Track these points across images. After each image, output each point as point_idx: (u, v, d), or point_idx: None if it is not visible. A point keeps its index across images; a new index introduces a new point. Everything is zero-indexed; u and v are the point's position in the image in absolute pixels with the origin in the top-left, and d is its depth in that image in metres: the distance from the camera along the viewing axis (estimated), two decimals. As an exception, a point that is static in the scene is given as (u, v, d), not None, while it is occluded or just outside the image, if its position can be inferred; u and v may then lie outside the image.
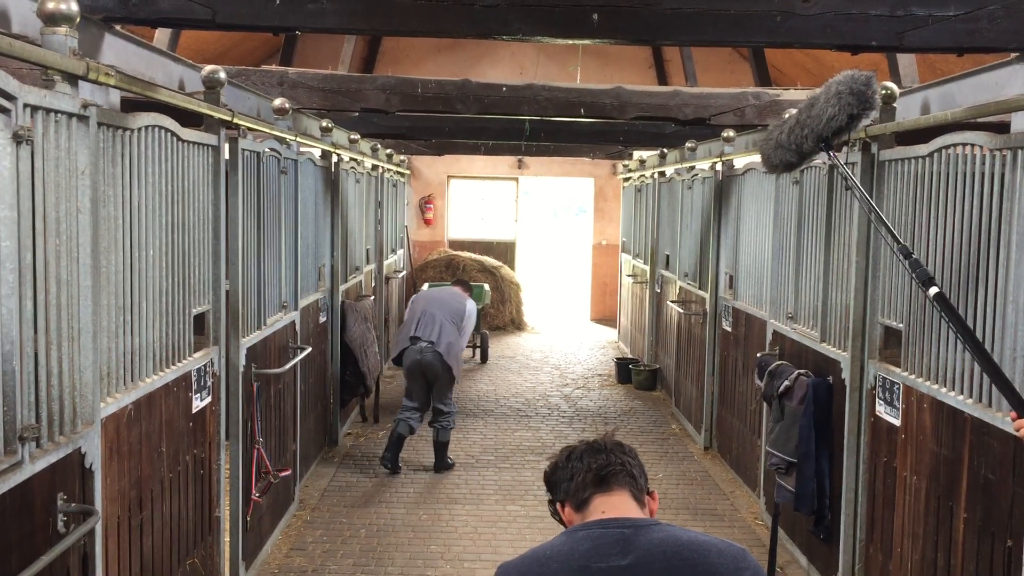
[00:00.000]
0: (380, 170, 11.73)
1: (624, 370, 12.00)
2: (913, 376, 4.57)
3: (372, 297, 10.50)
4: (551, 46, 15.78)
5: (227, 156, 5.13)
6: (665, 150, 11.65)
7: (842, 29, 4.17)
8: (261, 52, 15.11)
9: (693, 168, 9.79)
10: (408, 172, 16.05)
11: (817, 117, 3.88)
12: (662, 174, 11.64)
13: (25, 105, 2.82)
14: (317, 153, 8.05)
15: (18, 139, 2.77)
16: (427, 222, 17.60)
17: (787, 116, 4.18)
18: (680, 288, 10.03)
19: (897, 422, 4.74)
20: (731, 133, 8.34)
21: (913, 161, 4.62)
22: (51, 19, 3.15)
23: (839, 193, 5.50)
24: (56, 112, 3.04)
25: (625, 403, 10.79)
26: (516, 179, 18.01)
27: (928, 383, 4.40)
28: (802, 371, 5.69)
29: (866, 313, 5.14)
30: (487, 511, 7.03)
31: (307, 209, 7.25)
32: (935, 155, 4.40)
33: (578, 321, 17.77)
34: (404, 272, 14.79)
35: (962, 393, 4.09)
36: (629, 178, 14.61)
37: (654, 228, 11.84)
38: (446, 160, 17.21)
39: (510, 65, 16.35)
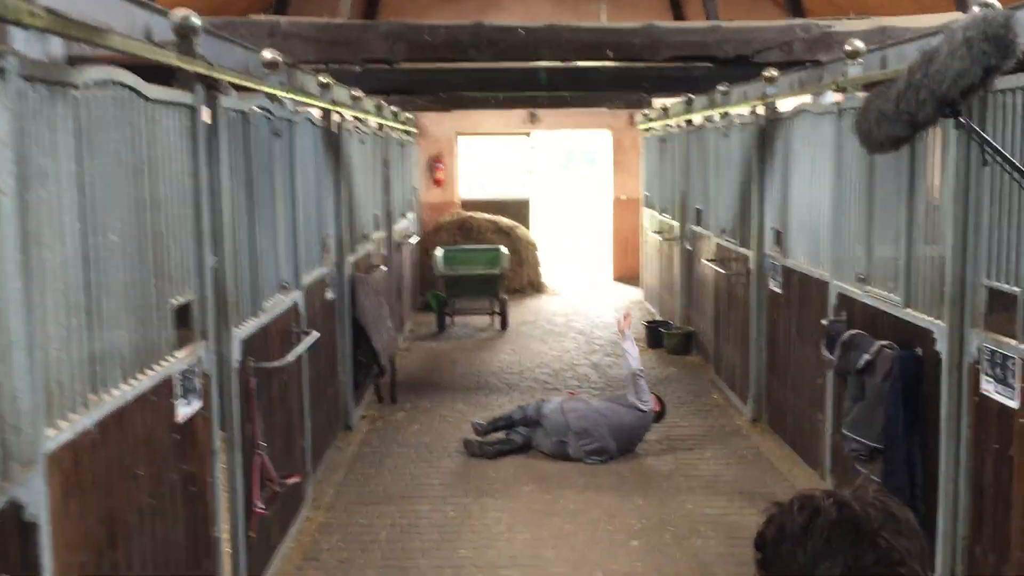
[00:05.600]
0: (386, 129, 10.92)
1: (655, 334, 11.25)
2: (1036, 350, 3.81)
3: (383, 267, 9.76)
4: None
5: (208, 118, 4.38)
6: (692, 96, 10.78)
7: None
8: (250, 6, 14.20)
9: (727, 114, 8.96)
10: (415, 131, 15.21)
11: (938, 75, 3.08)
12: (690, 122, 10.80)
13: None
14: (316, 113, 7.26)
15: None
16: (437, 183, 16.76)
17: (889, 82, 3.39)
18: (717, 245, 9.23)
19: (1015, 404, 3.98)
20: (773, 72, 7.50)
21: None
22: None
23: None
24: (-48, 61, 2.27)
25: (659, 370, 10.04)
26: (528, 133, 17.13)
27: (1060, 359, 3.63)
28: (885, 343, 4.92)
29: (965, 274, 4.36)
30: (521, 505, 6.32)
31: (307, 175, 6.47)
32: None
33: (600, 280, 16.97)
34: (416, 237, 14.02)
35: (1113, 373, 3.33)
36: (650, 128, 13.76)
37: (683, 181, 11.01)
38: (455, 116, 16.30)
39: (520, 16, 15.38)
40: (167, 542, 3.82)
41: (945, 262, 4.46)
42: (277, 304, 5.42)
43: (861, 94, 5.69)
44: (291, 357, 5.36)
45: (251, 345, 4.82)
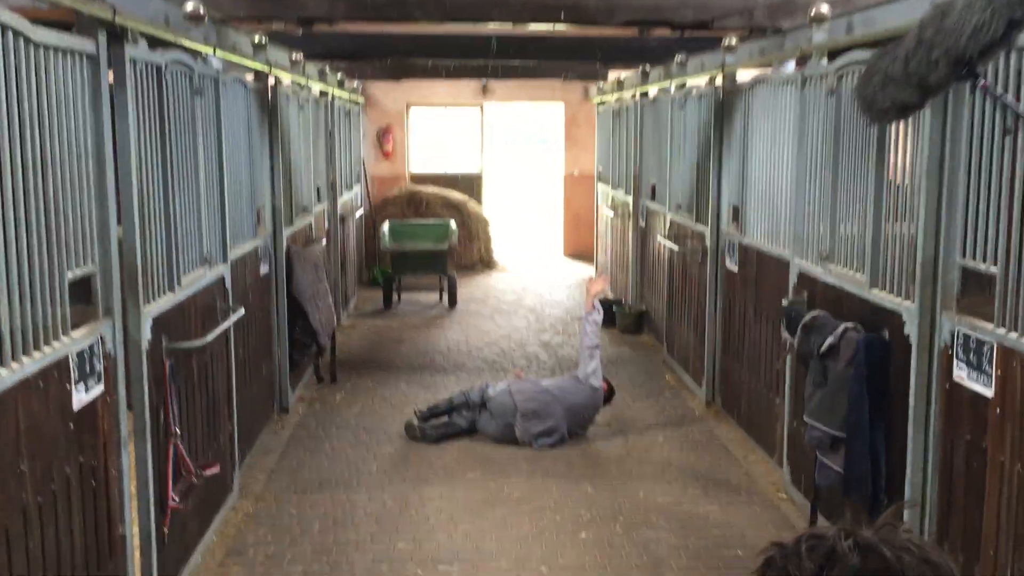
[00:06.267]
0: (330, 97, 10.42)
1: (607, 312, 10.92)
2: (1016, 335, 3.53)
3: (324, 240, 9.32)
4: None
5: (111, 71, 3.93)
6: (648, 66, 10.42)
7: None
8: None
9: (684, 85, 8.62)
10: (363, 100, 14.69)
11: (953, 31, 2.72)
12: (644, 94, 10.45)
13: None
14: (250, 75, 6.80)
15: None
16: (386, 155, 16.26)
17: (895, 41, 3.03)
18: (671, 222, 8.91)
19: (988, 392, 3.71)
20: (733, 41, 7.17)
21: None
22: None
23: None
24: None
25: (611, 350, 9.71)
26: (481, 105, 16.67)
27: (1042, 345, 3.36)
28: (849, 324, 4.63)
29: (938, 252, 4.07)
30: (464, 493, 5.96)
31: (237, 140, 6.02)
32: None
33: (552, 257, 16.63)
34: (362, 210, 13.56)
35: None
36: (604, 101, 13.40)
37: (637, 155, 10.67)
38: (405, 86, 15.82)
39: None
40: (62, 542, 3.42)
41: (916, 240, 4.17)
42: (198, 278, 4.99)
43: (826, 61, 5.39)
44: (212, 336, 4.93)
45: (166, 323, 4.39)
